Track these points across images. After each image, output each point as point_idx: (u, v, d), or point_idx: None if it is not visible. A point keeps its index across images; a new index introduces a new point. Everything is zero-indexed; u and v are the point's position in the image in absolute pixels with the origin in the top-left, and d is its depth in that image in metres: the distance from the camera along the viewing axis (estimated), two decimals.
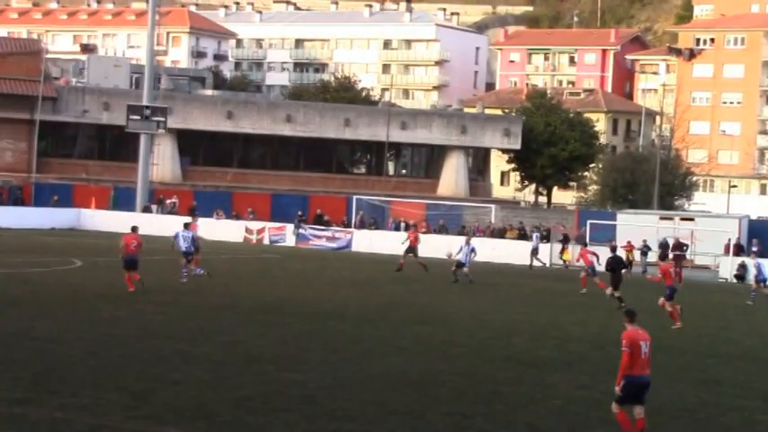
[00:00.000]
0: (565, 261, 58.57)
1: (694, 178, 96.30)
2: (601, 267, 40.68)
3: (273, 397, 18.58)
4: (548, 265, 56.49)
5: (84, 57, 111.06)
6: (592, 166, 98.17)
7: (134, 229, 34.71)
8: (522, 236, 63.82)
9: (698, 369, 24.64)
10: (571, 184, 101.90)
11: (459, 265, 43.70)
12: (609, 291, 37.41)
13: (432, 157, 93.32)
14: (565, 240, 61.28)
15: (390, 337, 26.82)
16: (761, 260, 45.41)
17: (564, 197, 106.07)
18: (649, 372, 16.31)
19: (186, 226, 38.05)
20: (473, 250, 44.18)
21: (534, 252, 57.00)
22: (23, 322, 25.70)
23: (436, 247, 55.75)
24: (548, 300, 39.34)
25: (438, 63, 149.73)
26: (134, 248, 33.42)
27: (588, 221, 61.92)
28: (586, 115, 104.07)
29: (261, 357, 22.44)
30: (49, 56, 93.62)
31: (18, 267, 38.66)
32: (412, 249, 48.26)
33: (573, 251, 56.06)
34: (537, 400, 19.70)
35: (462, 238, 49.03)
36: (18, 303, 29.15)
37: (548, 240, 62.05)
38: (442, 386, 20.38)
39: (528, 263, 56.19)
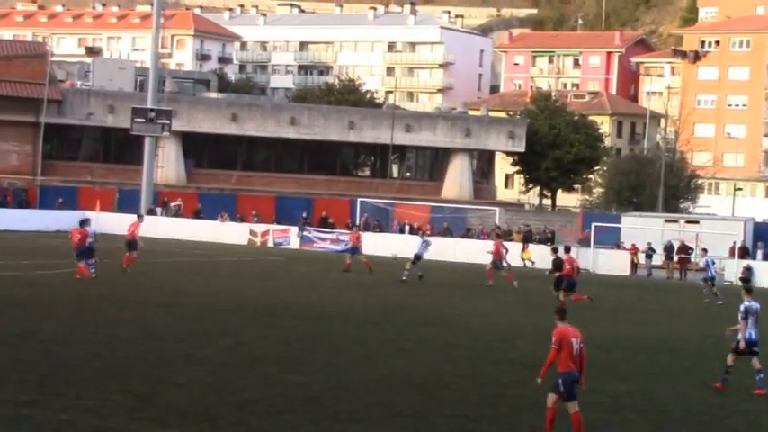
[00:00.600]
0: (525, 260, 58.49)
1: (699, 181, 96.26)
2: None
3: (277, 399, 18.59)
4: (512, 265, 56.11)
5: (89, 59, 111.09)
6: (596, 168, 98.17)
7: (82, 222, 38.03)
8: (528, 238, 63.83)
9: (702, 371, 24.61)
10: (576, 186, 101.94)
11: (417, 259, 43.83)
12: (559, 294, 37.11)
13: (436, 160, 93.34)
14: (526, 240, 61.48)
15: (394, 339, 26.83)
16: (711, 257, 45.94)
17: (568, 200, 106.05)
18: (578, 368, 16.40)
19: (82, 223, 38.70)
20: (428, 244, 44.44)
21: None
22: (29, 324, 25.73)
23: (441, 248, 56.00)
24: (551, 303, 39.26)
25: (442, 66, 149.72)
26: (78, 241, 36.52)
27: (593, 224, 61.91)
28: (591, 118, 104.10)
29: (264, 359, 22.45)
30: (54, 59, 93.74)
31: (23, 270, 38.70)
32: (354, 250, 48.49)
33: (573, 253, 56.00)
34: (541, 403, 19.56)
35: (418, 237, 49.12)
36: (23, 305, 29.17)
37: (552, 242, 62.10)
38: (446, 388, 20.38)
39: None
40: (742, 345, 22.03)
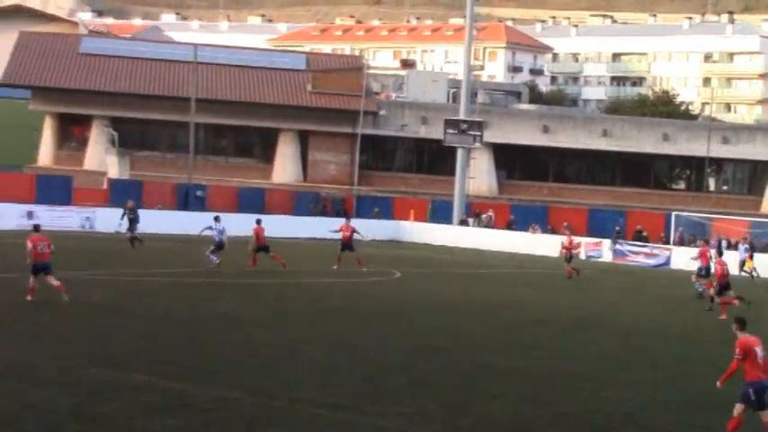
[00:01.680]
0: (749, 271, 54.84)
1: None
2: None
3: (593, 415, 18.20)
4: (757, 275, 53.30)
5: (403, 72, 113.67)
6: None
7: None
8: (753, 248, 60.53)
9: None
10: None
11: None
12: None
13: (755, 174, 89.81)
14: (751, 249, 57.51)
15: (714, 357, 25.80)
16: None
17: None
18: (766, 376, 16.10)
19: (217, 219, 40.81)
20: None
21: (742, 264, 54.02)
22: (347, 330, 26.38)
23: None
24: None
25: (762, 76, 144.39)
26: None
27: None
28: None
29: (578, 373, 22.10)
30: (370, 71, 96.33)
31: (341, 277, 39.82)
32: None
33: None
34: None
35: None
36: (341, 313, 29.97)
37: None
38: None
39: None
40: None
